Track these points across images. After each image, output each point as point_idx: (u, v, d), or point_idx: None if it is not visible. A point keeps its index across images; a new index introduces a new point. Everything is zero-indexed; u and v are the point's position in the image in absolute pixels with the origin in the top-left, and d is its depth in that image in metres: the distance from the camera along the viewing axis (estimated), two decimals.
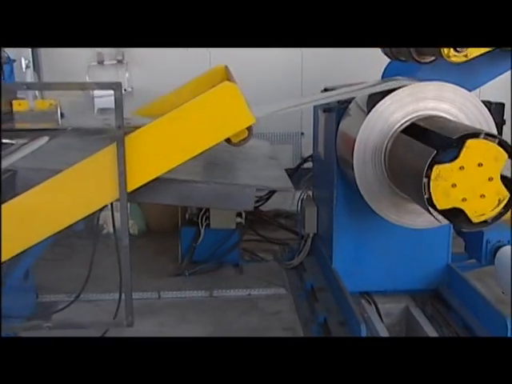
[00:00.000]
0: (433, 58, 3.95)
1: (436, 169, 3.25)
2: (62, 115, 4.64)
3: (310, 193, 6.05)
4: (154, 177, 2.89)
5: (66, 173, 2.87)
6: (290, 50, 6.98)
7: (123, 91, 6.63)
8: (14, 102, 4.57)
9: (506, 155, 3.24)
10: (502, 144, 3.25)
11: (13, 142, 3.91)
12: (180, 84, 6.75)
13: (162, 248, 6.32)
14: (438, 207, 3.34)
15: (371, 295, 4.91)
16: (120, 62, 7.08)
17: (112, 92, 6.63)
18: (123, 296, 3.08)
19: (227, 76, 4.70)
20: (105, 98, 6.75)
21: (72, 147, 3.79)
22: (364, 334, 3.99)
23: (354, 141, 4.13)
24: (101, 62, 7.08)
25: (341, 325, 4.46)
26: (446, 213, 3.39)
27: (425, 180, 3.28)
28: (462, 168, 3.26)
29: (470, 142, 3.23)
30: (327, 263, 5.07)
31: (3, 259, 3.01)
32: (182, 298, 5.49)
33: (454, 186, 3.31)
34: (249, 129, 3.03)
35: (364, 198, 4.21)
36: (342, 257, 4.90)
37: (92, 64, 7.08)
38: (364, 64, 6.03)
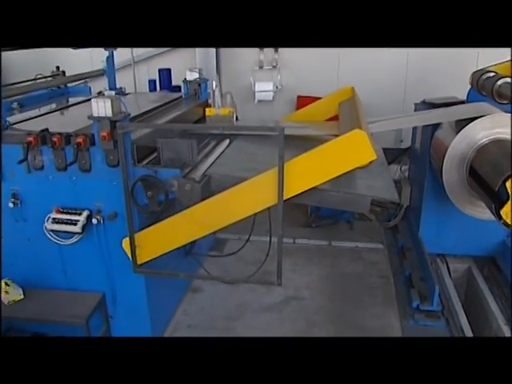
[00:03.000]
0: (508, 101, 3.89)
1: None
2: (236, 118, 4.88)
3: (407, 172, 6.08)
4: (301, 191, 3.15)
5: (245, 184, 3.17)
6: (397, 55, 6.81)
7: (275, 88, 6.89)
8: (206, 109, 4.80)
9: None
10: None
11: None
12: (313, 80, 6.89)
13: (296, 204, 6.34)
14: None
15: (444, 256, 5.02)
16: (274, 66, 7.14)
17: (267, 89, 6.87)
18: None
19: (353, 95, 4.79)
20: (262, 93, 6.99)
21: (244, 151, 4.06)
22: (437, 292, 4.16)
23: (446, 149, 4.17)
24: (261, 67, 7.18)
25: (421, 280, 4.54)
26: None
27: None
28: None
29: None
30: (414, 230, 5.17)
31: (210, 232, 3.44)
32: (309, 245, 5.60)
33: None
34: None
35: (447, 193, 4.29)
36: (426, 227, 4.99)
37: (254, 68, 7.20)
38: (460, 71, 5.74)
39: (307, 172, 3.11)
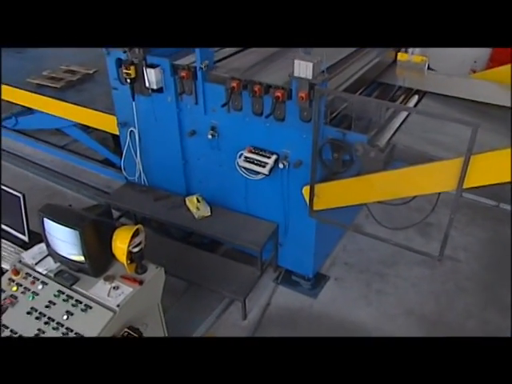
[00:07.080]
0: None
1: None
2: (428, 67, 4.76)
3: None
4: (482, 185, 3.20)
5: (427, 166, 3.24)
6: None
7: None
8: (399, 53, 4.80)
9: None
10: None
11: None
12: None
13: None
14: None
15: None
16: None
17: None
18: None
19: None
20: None
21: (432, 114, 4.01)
22: None
23: None
24: None
25: None
26: None
27: None
28: None
29: None
30: None
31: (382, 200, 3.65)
32: (475, 202, 5.43)
33: None
34: None
35: None
36: None
37: None
38: None
39: (493, 170, 3.11)
